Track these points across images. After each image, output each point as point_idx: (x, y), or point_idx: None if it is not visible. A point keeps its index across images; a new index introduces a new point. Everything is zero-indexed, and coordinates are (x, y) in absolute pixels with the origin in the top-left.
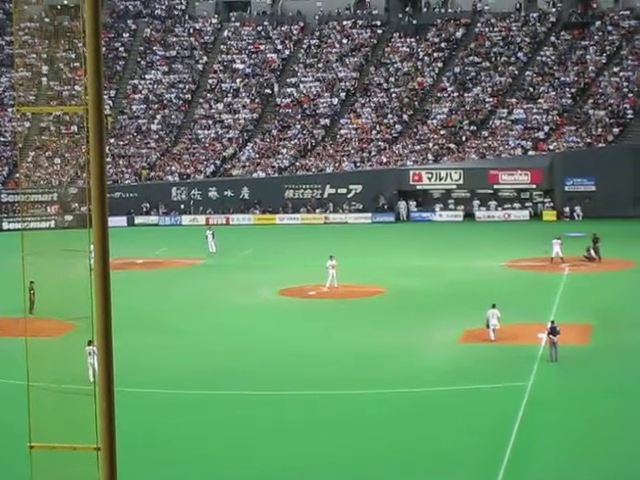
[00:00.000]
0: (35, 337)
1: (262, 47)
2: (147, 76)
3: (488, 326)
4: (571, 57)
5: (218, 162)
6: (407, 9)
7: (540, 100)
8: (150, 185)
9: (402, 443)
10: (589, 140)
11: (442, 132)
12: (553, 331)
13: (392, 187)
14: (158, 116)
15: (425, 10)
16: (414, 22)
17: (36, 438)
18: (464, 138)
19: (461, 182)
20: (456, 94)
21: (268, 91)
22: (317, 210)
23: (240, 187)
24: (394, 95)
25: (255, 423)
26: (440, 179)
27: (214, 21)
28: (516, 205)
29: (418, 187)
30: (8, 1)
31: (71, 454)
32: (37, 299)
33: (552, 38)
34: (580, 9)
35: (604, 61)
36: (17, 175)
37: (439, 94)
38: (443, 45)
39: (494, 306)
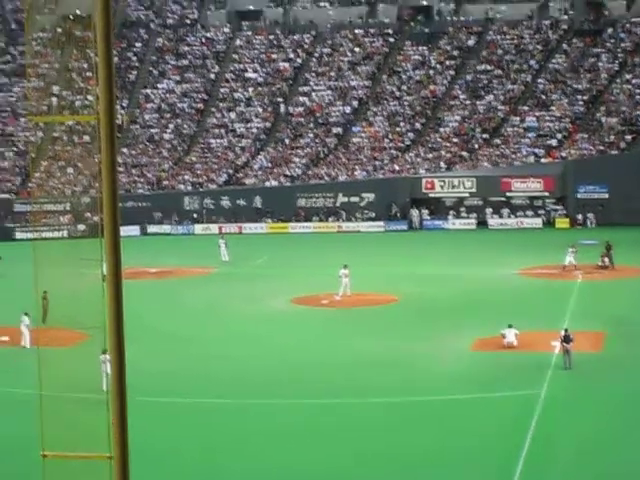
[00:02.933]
0: (48, 347)
1: (274, 56)
2: (159, 85)
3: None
4: (583, 64)
5: (231, 171)
6: (419, 17)
7: (552, 108)
8: (163, 194)
9: (415, 451)
10: (601, 147)
11: (454, 140)
12: (566, 339)
13: (405, 195)
14: (171, 125)
15: (437, 18)
16: (426, 30)
17: (49, 447)
18: (476, 146)
19: (474, 190)
20: (468, 102)
21: (280, 100)
22: (330, 219)
23: (252, 196)
24: (406, 103)
25: (268, 431)
26: (453, 187)
27: (226, 30)
28: (529, 213)
29: (431, 195)
30: (20, 11)
31: (84, 463)
32: (50, 308)
33: (564, 45)
34: (592, 16)
35: (616, 68)
36: (30, 185)
37: (451, 102)
38: (455, 53)
39: (510, 326)
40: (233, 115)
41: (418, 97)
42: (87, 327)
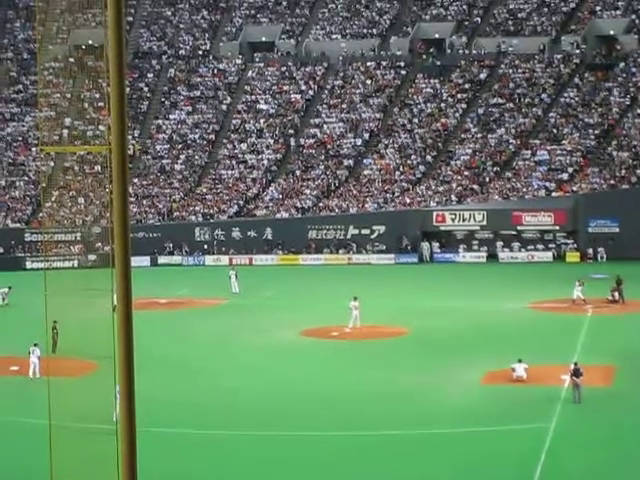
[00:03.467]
0: (57, 377)
1: (286, 87)
2: (171, 116)
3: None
4: (595, 98)
5: (241, 202)
6: (431, 50)
7: (564, 141)
8: (174, 225)
9: None
10: (612, 182)
11: (465, 173)
12: (576, 373)
13: (415, 228)
14: (182, 156)
15: (449, 51)
16: (438, 63)
17: (57, 476)
18: (487, 179)
19: (484, 223)
20: (480, 135)
21: (291, 132)
22: (340, 251)
23: (263, 227)
24: (417, 136)
25: (276, 464)
26: (463, 220)
27: (238, 62)
28: (539, 246)
29: (441, 228)
30: (33, 41)
31: None
32: (60, 338)
33: (576, 79)
34: (604, 51)
35: (628, 102)
36: (41, 214)
37: (463, 135)
38: (467, 86)
39: (520, 361)
40: (244, 146)
41: (429, 130)
42: (97, 357)
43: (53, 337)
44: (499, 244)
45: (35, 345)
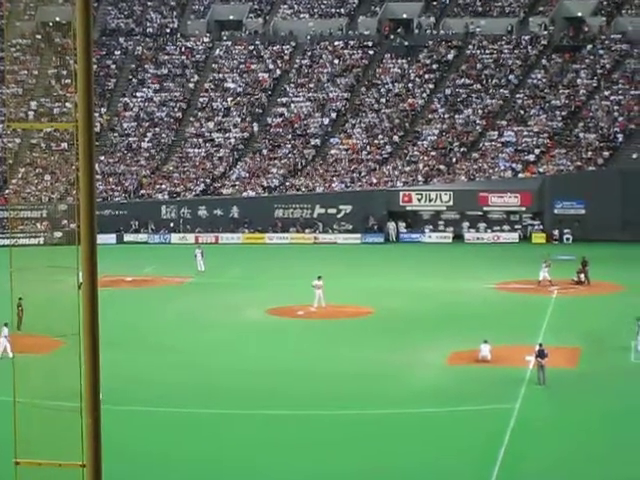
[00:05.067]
0: (23, 354)
1: (253, 66)
2: (138, 94)
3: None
4: (562, 80)
5: (208, 181)
6: (399, 30)
7: (530, 123)
8: (140, 203)
9: (385, 464)
10: (579, 163)
11: (432, 153)
12: (541, 354)
13: (382, 208)
14: (149, 134)
15: (417, 31)
16: (406, 43)
17: (22, 454)
18: (454, 160)
19: (451, 204)
20: (447, 116)
21: (259, 110)
22: (306, 230)
23: (230, 206)
24: (385, 116)
25: (243, 441)
26: (430, 200)
27: (206, 40)
28: (505, 227)
29: (408, 208)
30: (0, 18)
31: (57, 471)
32: (25, 315)
33: (543, 61)
34: (571, 32)
35: (595, 84)
36: (7, 191)
37: (430, 115)
38: (434, 67)
39: (486, 342)
40: (211, 125)
41: (397, 110)
42: (63, 334)
43: (18, 314)
44: (465, 225)
45: (5, 325)
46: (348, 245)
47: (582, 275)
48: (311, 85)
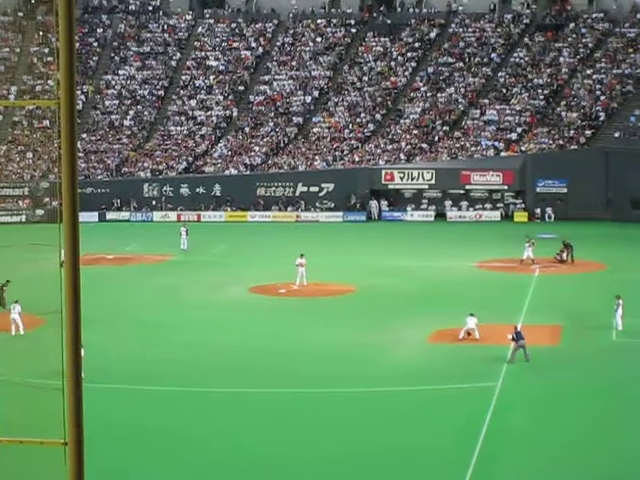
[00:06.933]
0: (5, 332)
1: (236, 44)
2: (120, 72)
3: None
4: (544, 59)
5: (190, 159)
6: (381, 8)
7: (513, 101)
8: (122, 181)
9: (368, 442)
10: (561, 142)
11: (415, 132)
12: (518, 336)
13: (364, 186)
14: (131, 112)
15: (399, 10)
16: (388, 22)
17: (3, 432)
18: (436, 138)
19: (433, 182)
20: (429, 94)
21: (241, 88)
22: (289, 208)
23: (212, 184)
24: (367, 94)
25: (224, 418)
26: (412, 179)
27: (188, 17)
28: (487, 206)
29: (390, 186)
30: None
31: (39, 449)
32: (7, 294)
33: (526, 39)
34: (554, 11)
35: (577, 63)
36: None
37: (412, 94)
38: (417, 45)
39: (472, 315)
40: (193, 102)
41: (379, 88)
42: (45, 312)
43: (0, 293)
44: (447, 203)
45: (16, 302)
46: (330, 223)
47: (564, 254)
48: (293, 63)
